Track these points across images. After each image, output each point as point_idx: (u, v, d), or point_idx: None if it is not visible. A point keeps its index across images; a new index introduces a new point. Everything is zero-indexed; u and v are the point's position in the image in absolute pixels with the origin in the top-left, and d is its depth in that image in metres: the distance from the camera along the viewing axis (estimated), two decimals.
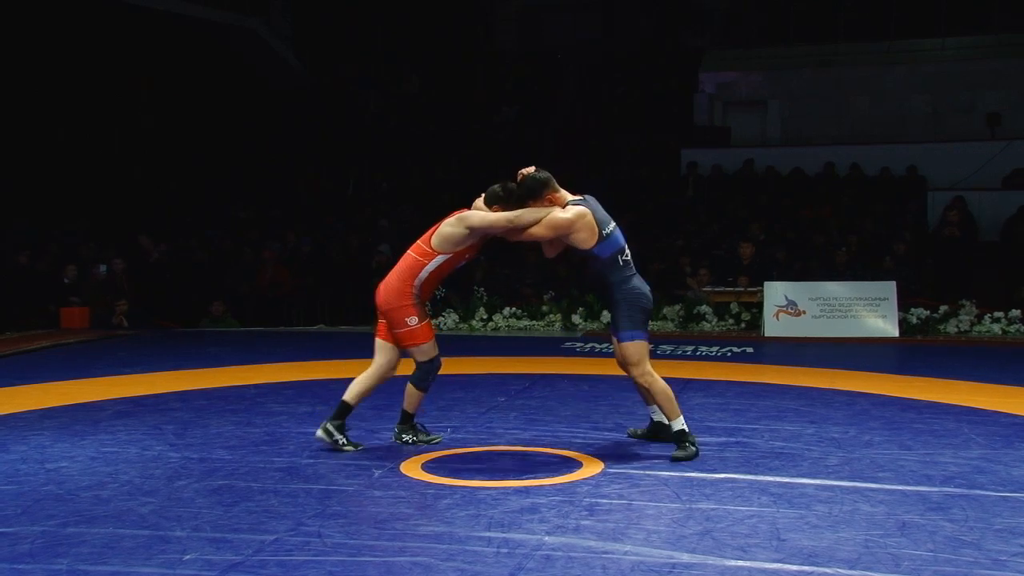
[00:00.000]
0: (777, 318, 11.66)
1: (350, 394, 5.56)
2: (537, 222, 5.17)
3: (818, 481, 4.79)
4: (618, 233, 5.31)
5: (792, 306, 11.66)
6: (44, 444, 5.74)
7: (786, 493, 4.57)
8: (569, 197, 5.34)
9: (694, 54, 20.06)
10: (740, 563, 3.62)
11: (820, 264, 13.05)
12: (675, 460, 5.16)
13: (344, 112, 20.24)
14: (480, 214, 5.38)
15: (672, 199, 16.89)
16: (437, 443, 5.68)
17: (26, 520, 4.22)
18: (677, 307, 12.39)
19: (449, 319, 12.70)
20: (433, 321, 12.56)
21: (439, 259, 5.40)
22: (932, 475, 4.91)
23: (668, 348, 10.51)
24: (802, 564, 3.60)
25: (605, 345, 10.79)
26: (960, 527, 4.04)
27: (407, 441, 5.67)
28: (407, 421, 5.73)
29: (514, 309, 12.63)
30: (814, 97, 19.01)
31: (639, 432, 5.82)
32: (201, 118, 18.73)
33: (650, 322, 12.28)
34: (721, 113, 19.82)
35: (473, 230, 5.33)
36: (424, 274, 5.42)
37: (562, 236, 5.18)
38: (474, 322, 12.62)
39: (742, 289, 12.33)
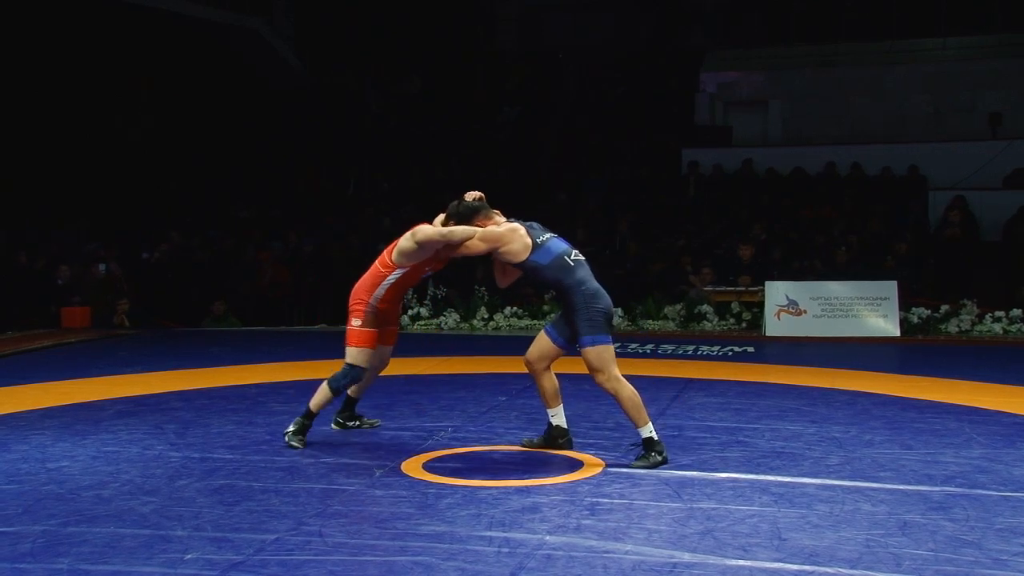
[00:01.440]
0: (778, 317, 11.65)
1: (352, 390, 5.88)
2: (471, 236, 5.33)
3: (819, 481, 4.78)
4: (558, 240, 5.34)
5: (793, 305, 11.66)
6: (45, 443, 5.74)
7: (787, 493, 4.57)
8: (502, 220, 5.44)
9: (695, 54, 20.04)
10: (741, 563, 3.62)
11: (820, 263, 13.05)
12: (633, 468, 5.07)
13: (345, 112, 20.25)
14: (426, 229, 5.49)
15: (673, 199, 16.88)
16: (298, 449, 5.55)
17: (27, 519, 4.22)
18: (678, 306, 12.39)
19: (450, 318, 12.70)
20: (434, 321, 12.73)
21: (398, 272, 5.59)
22: (933, 475, 4.90)
23: (669, 347, 10.51)
24: (803, 563, 3.60)
25: None
26: (961, 527, 4.04)
27: (293, 445, 5.57)
28: (309, 418, 5.67)
29: (515, 308, 12.63)
30: (815, 97, 18.99)
31: (535, 442, 5.57)
32: (202, 118, 18.74)
33: (652, 322, 12.32)
34: (722, 113, 19.80)
35: (421, 245, 5.47)
36: (382, 289, 5.61)
37: (496, 249, 5.27)
38: (475, 321, 12.62)
39: (743, 289, 12.33)
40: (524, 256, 5.23)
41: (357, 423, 6.17)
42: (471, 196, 5.56)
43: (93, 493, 4.64)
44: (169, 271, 14.46)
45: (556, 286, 5.27)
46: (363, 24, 20.98)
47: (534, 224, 5.44)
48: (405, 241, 5.52)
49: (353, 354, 5.63)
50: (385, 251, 5.67)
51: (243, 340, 11.61)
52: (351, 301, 5.68)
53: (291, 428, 5.67)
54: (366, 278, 5.67)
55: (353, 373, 5.64)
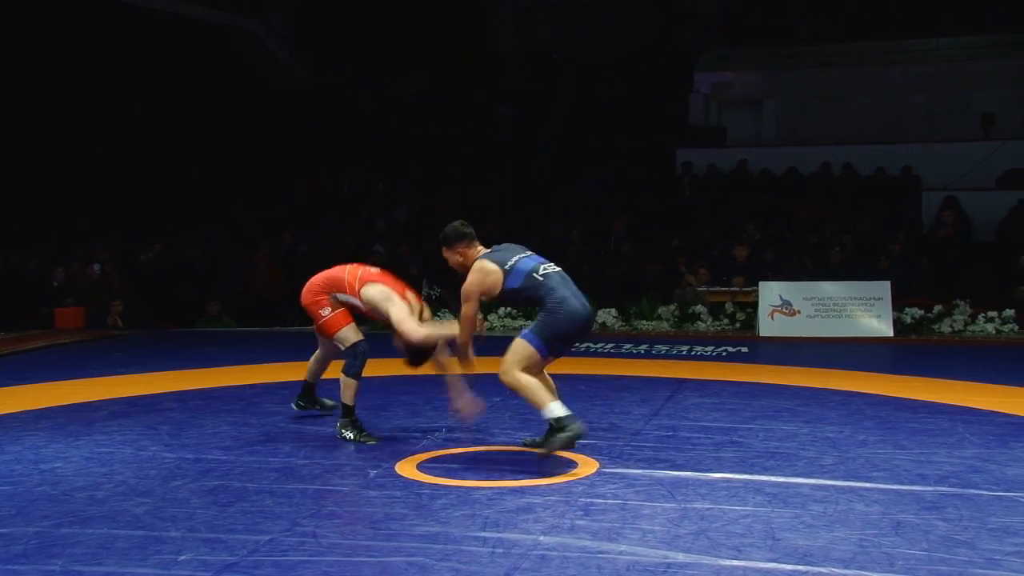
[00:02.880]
0: (772, 318, 11.67)
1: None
2: (454, 333, 5.58)
3: (813, 481, 4.79)
4: (527, 259, 5.32)
5: (787, 306, 11.68)
6: (38, 444, 5.73)
7: (781, 493, 4.57)
8: (482, 251, 5.46)
9: (690, 54, 20.07)
10: (735, 563, 3.62)
11: (812, 264, 13.06)
12: (537, 451, 5.16)
13: (342, 113, 20.24)
14: (409, 327, 5.63)
15: (668, 199, 16.90)
16: (372, 444, 5.67)
17: (20, 521, 4.21)
18: (672, 307, 12.40)
19: (445, 319, 12.69)
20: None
21: (354, 300, 5.84)
22: (927, 474, 4.91)
23: (663, 348, 10.52)
24: (797, 564, 3.61)
25: (600, 345, 10.80)
26: (954, 526, 4.05)
27: (347, 438, 5.74)
28: (348, 415, 5.81)
29: (509, 308, 12.63)
30: (809, 97, 19.03)
31: (537, 441, 5.51)
32: (199, 118, 18.71)
33: (646, 322, 12.30)
34: (716, 113, 19.83)
35: (390, 317, 5.69)
36: (341, 299, 5.87)
37: (487, 293, 5.33)
38: None
39: (737, 289, 12.35)
40: (499, 287, 5.28)
41: (318, 407, 6.43)
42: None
43: (86, 494, 4.63)
44: (163, 271, 14.43)
45: (534, 302, 5.28)
46: (360, 25, 20.96)
47: (503, 246, 5.46)
48: (380, 301, 5.71)
49: (342, 337, 5.83)
50: (360, 271, 5.89)
51: (237, 340, 11.60)
52: (309, 299, 5.91)
53: (346, 434, 5.75)
54: (329, 279, 5.92)
55: (357, 351, 5.80)
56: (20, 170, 16.20)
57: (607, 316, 12.30)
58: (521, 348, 5.17)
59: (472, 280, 5.34)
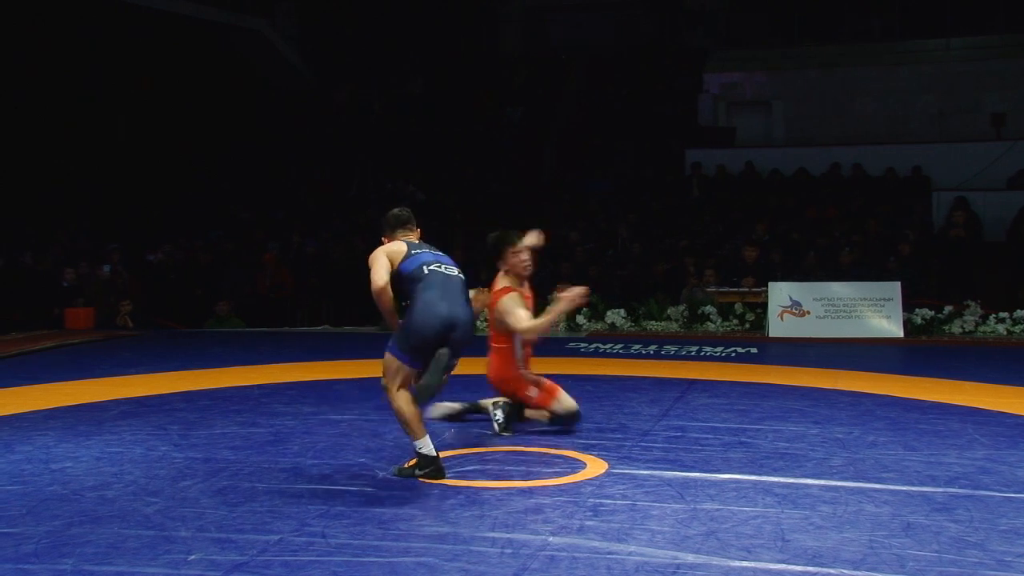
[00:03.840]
0: (781, 318, 11.65)
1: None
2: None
3: (822, 482, 4.78)
4: (429, 255, 5.06)
5: (796, 306, 11.65)
6: (49, 444, 5.75)
7: (790, 494, 4.56)
8: (402, 246, 5.12)
9: (698, 55, 20.05)
10: (745, 564, 3.62)
11: (819, 264, 13.02)
12: (396, 472, 4.95)
13: (348, 113, 20.26)
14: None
15: (676, 200, 16.88)
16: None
17: (31, 520, 4.22)
18: (682, 307, 12.39)
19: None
20: None
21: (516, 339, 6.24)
22: (937, 476, 4.90)
23: (672, 348, 10.51)
24: (806, 565, 3.60)
25: (609, 346, 10.79)
26: (965, 528, 4.03)
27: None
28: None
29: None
30: (818, 97, 18.99)
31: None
32: (205, 118, 18.76)
33: (655, 323, 12.28)
34: (725, 114, 19.79)
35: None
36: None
37: (390, 257, 5.01)
38: (478, 323, 12.59)
39: (747, 290, 12.33)
40: (398, 262, 4.99)
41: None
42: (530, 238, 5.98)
43: (97, 494, 4.64)
44: (172, 272, 14.47)
45: (407, 296, 5.00)
46: (367, 25, 20.99)
47: (422, 247, 5.15)
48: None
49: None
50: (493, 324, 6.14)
51: (246, 341, 11.62)
52: (506, 374, 6.19)
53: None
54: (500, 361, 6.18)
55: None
56: (29, 171, 16.25)
57: (615, 316, 12.29)
58: (388, 362, 4.93)
59: (376, 257, 5.03)
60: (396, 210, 5.41)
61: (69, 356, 10.19)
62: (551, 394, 6.06)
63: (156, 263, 14.81)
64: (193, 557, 3.72)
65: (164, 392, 7.59)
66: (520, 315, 5.83)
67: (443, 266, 5.06)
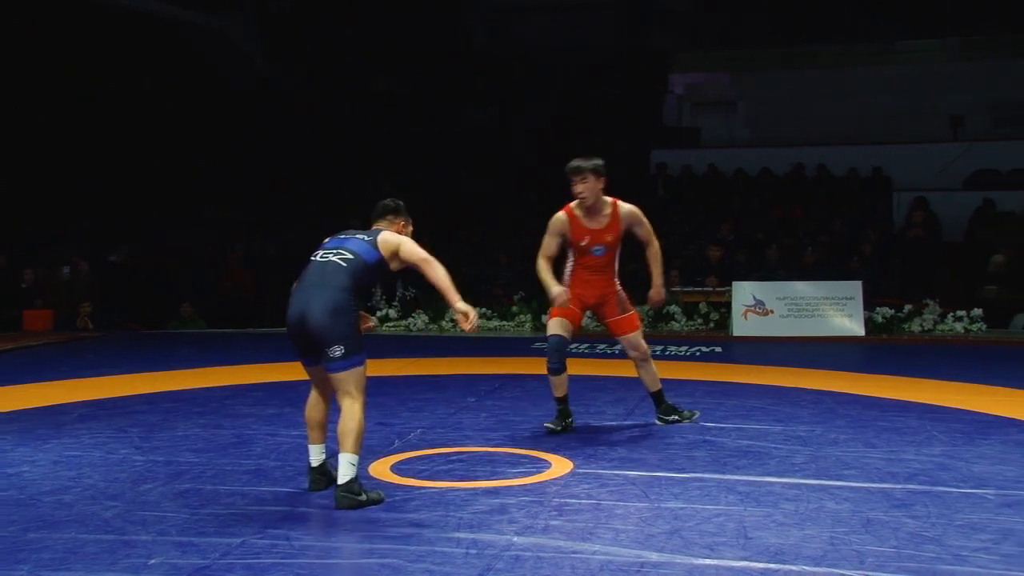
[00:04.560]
0: (745, 317, 11.74)
1: None
2: None
3: (785, 479, 4.82)
4: (333, 240, 4.83)
5: (760, 306, 11.75)
6: (5, 448, 5.66)
7: (753, 492, 4.60)
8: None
9: (663, 55, 20.15)
10: (708, 561, 3.64)
11: (782, 263, 13.14)
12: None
13: (314, 112, 20.14)
14: None
15: (642, 200, 16.89)
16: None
17: None
18: (646, 307, 12.43)
19: (419, 320, 12.68)
20: (403, 322, 12.70)
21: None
22: (896, 472, 4.96)
23: None
24: (769, 562, 3.63)
25: (575, 346, 10.80)
26: (923, 523, 4.09)
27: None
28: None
29: (484, 310, 12.63)
30: (782, 98, 19.15)
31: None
32: (166, 117, 18.56)
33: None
34: (690, 114, 19.92)
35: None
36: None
37: None
38: (444, 323, 12.60)
39: (711, 289, 12.41)
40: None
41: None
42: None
43: (54, 498, 4.58)
44: (133, 273, 14.31)
45: None
46: (333, 23, 20.87)
47: (341, 234, 4.92)
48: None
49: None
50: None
51: (209, 342, 11.52)
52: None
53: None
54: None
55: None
56: None
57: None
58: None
59: None
60: (385, 200, 5.19)
61: (27, 358, 10.04)
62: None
63: (117, 264, 14.64)
64: (154, 561, 3.68)
65: (125, 394, 7.50)
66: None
67: (332, 252, 4.67)
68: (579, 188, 6.12)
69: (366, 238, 4.77)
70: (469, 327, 4.65)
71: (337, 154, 18.99)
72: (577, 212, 6.07)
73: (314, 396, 4.74)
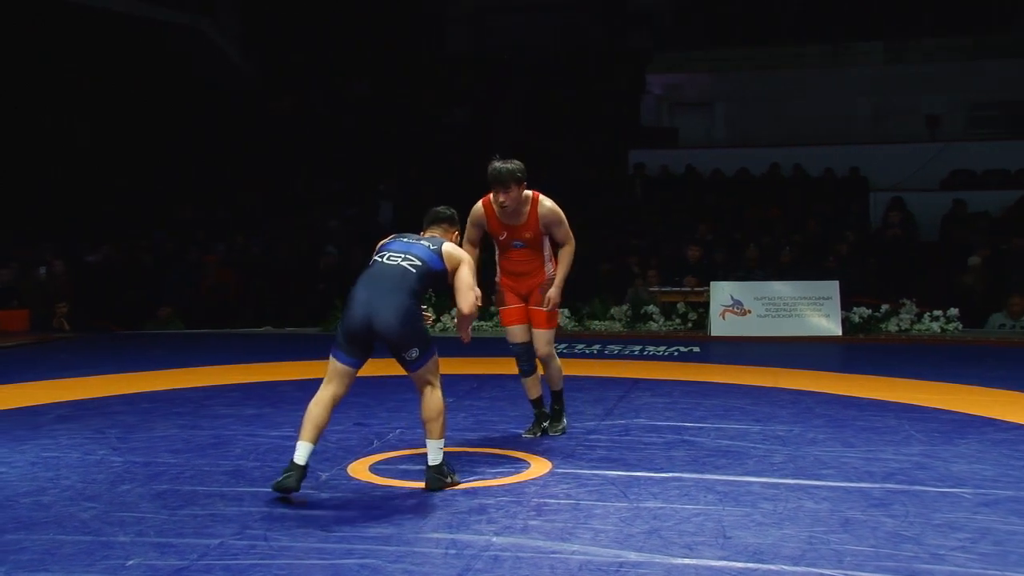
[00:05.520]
0: (723, 317, 11.79)
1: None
2: None
3: (763, 479, 4.85)
4: (392, 242, 4.89)
5: (738, 306, 11.80)
6: None
7: (732, 491, 4.62)
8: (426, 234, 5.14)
9: (641, 56, 20.21)
10: (687, 561, 3.66)
11: (760, 262, 13.20)
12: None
13: (293, 113, 20.06)
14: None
15: (619, 200, 16.99)
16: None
17: None
18: (625, 307, 12.48)
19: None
20: None
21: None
22: (874, 472, 5.00)
23: (616, 348, 10.58)
24: (747, 561, 3.65)
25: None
26: (901, 522, 4.12)
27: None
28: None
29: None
30: (759, 99, 19.27)
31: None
32: (146, 117, 18.43)
33: (599, 322, 12.34)
34: (668, 114, 20.00)
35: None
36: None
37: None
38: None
39: (689, 289, 12.46)
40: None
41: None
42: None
43: (32, 499, 4.54)
44: (110, 273, 14.20)
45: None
46: (311, 24, 20.80)
47: (402, 237, 4.97)
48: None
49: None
50: None
51: (187, 343, 11.45)
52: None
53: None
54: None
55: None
56: None
57: (559, 316, 12.33)
58: (330, 362, 4.69)
59: None
60: (438, 207, 5.27)
61: (3, 359, 9.94)
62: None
63: (94, 264, 14.52)
64: (132, 562, 3.66)
65: (103, 395, 7.44)
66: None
67: (393, 255, 4.73)
68: (502, 199, 5.70)
69: (431, 246, 4.84)
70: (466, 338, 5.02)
71: (316, 154, 18.92)
72: (495, 206, 5.83)
73: (325, 396, 4.66)
